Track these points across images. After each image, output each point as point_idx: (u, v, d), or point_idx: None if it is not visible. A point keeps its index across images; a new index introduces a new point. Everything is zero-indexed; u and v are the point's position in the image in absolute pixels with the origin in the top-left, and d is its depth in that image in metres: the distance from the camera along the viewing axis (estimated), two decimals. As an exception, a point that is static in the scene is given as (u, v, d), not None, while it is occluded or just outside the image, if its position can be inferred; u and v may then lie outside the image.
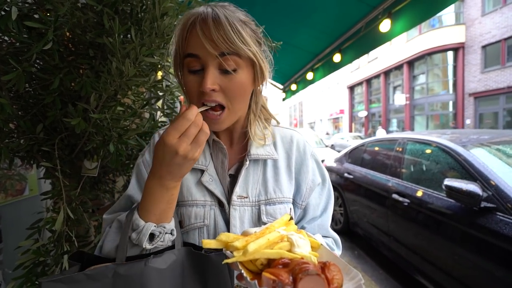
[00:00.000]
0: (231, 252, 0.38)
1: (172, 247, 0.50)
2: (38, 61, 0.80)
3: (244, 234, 0.41)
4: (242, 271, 0.36)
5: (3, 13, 0.68)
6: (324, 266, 0.35)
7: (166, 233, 0.47)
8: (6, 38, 0.73)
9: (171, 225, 0.49)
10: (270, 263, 0.37)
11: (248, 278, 0.35)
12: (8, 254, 1.12)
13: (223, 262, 0.38)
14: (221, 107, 0.51)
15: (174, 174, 0.45)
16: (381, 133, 14.66)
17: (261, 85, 0.58)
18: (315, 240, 0.44)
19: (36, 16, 0.75)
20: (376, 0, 2.28)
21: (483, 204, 1.64)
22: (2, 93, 0.67)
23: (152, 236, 0.47)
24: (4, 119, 0.70)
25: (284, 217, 0.46)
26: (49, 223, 0.75)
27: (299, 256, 0.37)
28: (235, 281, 0.54)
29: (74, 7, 0.75)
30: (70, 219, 0.76)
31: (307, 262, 0.35)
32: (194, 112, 0.43)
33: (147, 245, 0.46)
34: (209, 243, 0.39)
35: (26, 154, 0.82)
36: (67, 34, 0.82)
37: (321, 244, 0.44)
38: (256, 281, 0.34)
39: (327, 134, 23.72)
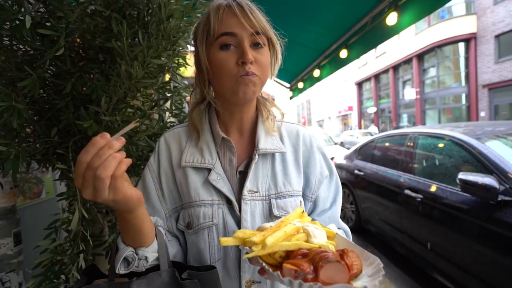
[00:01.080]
0: (250, 247, 0.38)
1: (158, 267, 0.50)
2: (51, 67, 0.82)
3: (260, 229, 0.42)
4: (264, 264, 0.37)
5: (17, 22, 0.70)
6: (342, 253, 0.36)
7: (139, 259, 0.48)
8: (21, 46, 0.76)
9: (147, 250, 0.48)
10: (289, 255, 0.37)
11: (271, 270, 0.35)
12: (28, 254, 1.17)
13: (244, 257, 0.39)
14: (255, 75, 0.54)
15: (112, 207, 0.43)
16: (373, 130, 15.19)
17: (273, 69, 0.61)
18: (329, 229, 0.44)
19: (48, 23, 0.78)
20: (382, -7, 2.24)
21: (500, 197, 1.59)
22: (18, 98, 0.70)
23: (128, 261, 0.48)
24: (20, 124, 0.73)
25: (297, 210, 0.46)
26: (65, 223, 0.77)
27: (317, 246, 0.37)
28: (244, 282, 0.55)
29: (84, 14, 0.77)
30: (85, 219, 0.79)
31: (325, 251, 0.35)
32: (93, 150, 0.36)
33: (120, 270, 0.47)
34: (226, 241, 0.40)
35: (42, 157, 0.85)
36: (78, 40, 0.84)
37: (336, 233, 0.44)
38: (279, 272, 0.35)
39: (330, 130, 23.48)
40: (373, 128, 16.43)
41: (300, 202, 0.60)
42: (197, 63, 0.59)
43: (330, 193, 0.65)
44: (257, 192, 0.57)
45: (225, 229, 0.56)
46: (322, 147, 0.67)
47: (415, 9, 2.02)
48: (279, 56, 0.60)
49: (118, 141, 0.37)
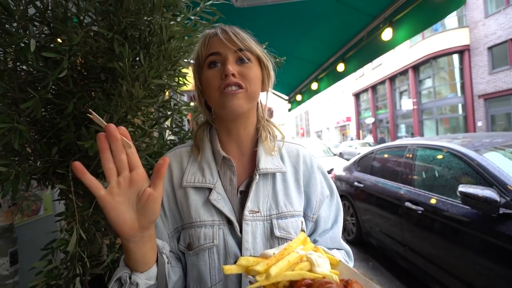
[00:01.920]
0: (253, 276, 0.38)
1: None
2: (53, 86, 0.84)
3: (263, 256, 0.41)
4: None
5: (22, 44, 0.72)
6: (346, 284, 0.35)
7: (131, 283, 0.47)
8: (24, 67, 0.78)
9: (140, 276, 0.48)
10: (293, 284, 0.37)
11: None
12: (24, 274, 1.14)
13: (247, 287, 0.38)
14: (239, 88, 0.56)
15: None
16: (369, 140, 15.80)
17: (267, 86, 0.63)
18: (333, 257, 0.44)
19: (52, 45, 0.80)
20: (376, 10, 2.31)
21: (502, 210, 1.58)
22: (20, 119, 0.70)
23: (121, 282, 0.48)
24: (22, 144, 0.74)
25: (300, 236, 0.46)
26: (63, 244, 0.76)
27: (321, 276, 0.37)
28: None
29: (87, 35, 0.79)
30: (83, 239, 0.78)
31: (329, 282, 0.35)
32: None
33: None
34: (230, 269, 0.39)
35: (42, 176, 0.85)
36: (80, 59, 0.86)
37: (340, 261, 0.44)
38: None
39: (328, 140, 23.65)
40: (369, 139, 16.85)
41: (302, 222, 0.60)
42: (196, 87, 0.63)
43: (331, 213, 0.65)
44: (258, 212, 0.57)
45: (226, 250, 0.55)
46: (322, 166, 0.68)
47: (409, 25, 2.09)
48: (271, 72, 0.62)
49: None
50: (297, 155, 0.65)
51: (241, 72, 0.56)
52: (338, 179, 3.89)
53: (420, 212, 2.18)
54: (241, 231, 0.56)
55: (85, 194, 0.88)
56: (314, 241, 0.63)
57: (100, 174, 0.88)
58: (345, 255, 0.64)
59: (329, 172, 5.07)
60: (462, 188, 1.77)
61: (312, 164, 0.66)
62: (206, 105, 0.64)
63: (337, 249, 0.64)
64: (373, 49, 2.58)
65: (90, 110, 0.40)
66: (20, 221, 1.23)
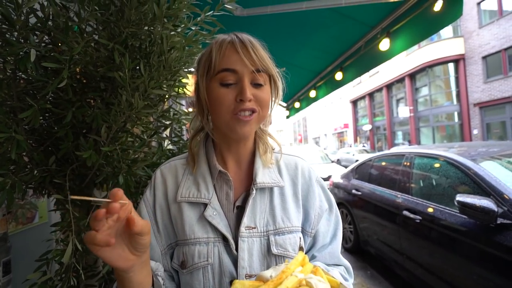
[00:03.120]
0: None
1: None
2: (52, 95, 0.83)
3: (259, 279, 0.40)
4: None
5: (21, 53, 0.72)
6: None
7: None
8: (23, 76, 0.77)
9: None
10: None
11: None
12: (17, 284, 1.12)
13: None
14: (252, 112, 0.54)
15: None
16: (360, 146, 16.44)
17: (273, 104, 0.61)
18: (333, 279, 0.43)
19: (52, 54, 0.80)
20: (374, 20, 2.35)
21: (500, 220, 1.59)
22: (18, 129, 0.70)
23: None
24: (19, 153, 0.73)
25: (299, 256, 0.45)
26: (58, 255, 0.75)
27: None
28: None
29: (87, 45, 0.79)
30: (78, 250, 0.76)
31: None
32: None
33: None
34: None
35: (38, 185, 0.84)
36: (80, 69, 0.86)
37: (340, 283, 0.43)
38: None
39: (325, 149, 23.82)
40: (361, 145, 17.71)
41: (300, 238, 0.59)
42: (197, 93, 0.60)
43: (330, 227, 0.64)
44: (254, 228, 0.56)
45: (221, 269, 0.53)
46: (321, 179, 0.67)
47: (406, 36, 2.12)
48: (280, 92, 0.61)
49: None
50: (296, 167, 0.64)
51: (256, 96, 0.54)
52: (336, 186, 3.89)
53: (418, 221, 2.17)
54: (236, 249, 0.54)
55: (81, 203, 0.87)
56: (313, 257, 0.62)
57: (97, 184, 0.87)
58: (344, 271, 0.62)
59: (327, 179, 5.06)
60: (459, 197, 1.77)
61: (311, 177, 0.64)
62: (207, 116, 0.61)
63: (336, 265, 0.63)
64: (370, 59, 2.62)
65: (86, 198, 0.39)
66: (15, 229, 1.21)
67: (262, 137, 0.64)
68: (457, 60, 13.38)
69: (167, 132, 0.96)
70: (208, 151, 0.62)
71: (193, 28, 0.95)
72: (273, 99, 0.60)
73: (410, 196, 2.42)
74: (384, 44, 2.28)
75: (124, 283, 0.45)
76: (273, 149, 0.65)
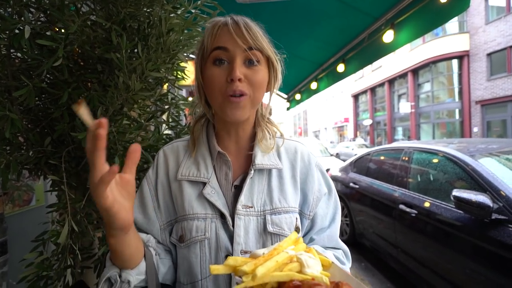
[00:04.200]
0: (240, 277, 0.37)
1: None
2: (48, 75, 0.82)
3: (252, 256, 0.40)
4: None
5: (17, 31, 0.70)
6: (336, 287, 0.35)
7: (122, 281, 0.47)
8: (19, 54, 0.76)
9: (131, 273, 0.48)
10: (281, 286, 0.36)
11: None
12: (14, 265, 1.13)
13: None
14: (242, 95, 0.53)
15: (105, 224, 0.43)
16: (359, 141, 16.41)
17: (272, 89, 0.60)
18: (325, 258, 0.43)
19: (48, 33, 0.78)
20: (378, 11, 2.30)
21: (494, 216, 1.60)
22: (13, 108, 0.69)
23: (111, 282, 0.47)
24: (13, 133, 0.72)
25: (292, 235, 0.45)
26: (54, 236, 0.75)
27: (310, 277, 0.36)
28: None
29: (84, 25, 0.77)
30: (74, 231, 0.77)
31: (319, 284, 0.34)
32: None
33: None
34: (217, 269, 0.38)
35: (34, 167, 0.83)
36: (77, 49, 0.84)
37: (332, 262, 0.43)
38: None
39: (331, 142, 23.72)
40: (359, 140, 17.78)
41: (296, 219, 0.59)
42: (196, 77, 0.60)
43: (329, 211, 0.64)
44: (251, 207, 0.57)
45: (218, 244, 0.55)
46: (320, 164, 0.67)
47: (411, 28, 2.08)
48: (279, 76, 0.59)
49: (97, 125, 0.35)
50: (295, 151, 0.65)
51: (248, 76, 0.53)
52: (333, 179, 3.90)
53: (413, 215, 2.19)
54: (233, 226, 0.55)
55: (77, 185, 0.87)
56: (311, 240, 0.63)
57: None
58: (342, 255, 0.63)
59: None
60: (456, 192, 1.78)
61: (310, 161, 0.65)
62: (206, 100, 0.61)
63: (334, 248, 0.63)
64: (373, 51, 2.58)
65: (80, 99, 0.37)
66: (11, 211, 1.22)
67: (261, 124, 0.63)
68: (462, 57, 13.22)
69: (165, 116, 0.96)
70: (209, 134, 0.63)
71: (193, 11, 0.93)
72: (272, 83, 0.59)
73: (407, 191, 2.43)
74: (388, 36, 2.24)
75: (117, 251, 0.45)
76: (274, 134, 0.64)
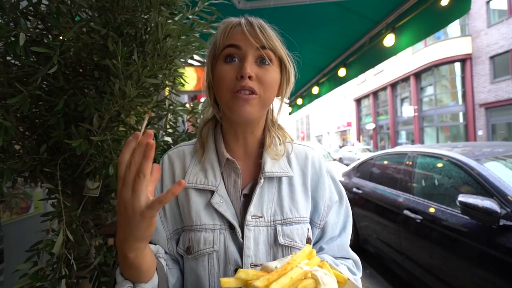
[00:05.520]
0: None
1: None
2: (45, 82, 0.81)
3: (264, 269, 0.38)
4: None
5: (13, 38, 0.70)
6: None
7: None
8: (17, 62, 0.76)
9: (146, 286, 0.46)
10: None
11: None
12: (10, 274, 1.11)
13: None
14: (252, 92, 0.52)
15: (128, 237, 0.40)
16: (358, 146, 16.44)
17: (284, 93, 0.59)
18: (340, 274, 0.41)
19: (45, 40, 0.78)
20: (378, 15, 2.30)
21: (502, 222, 1.55)
22: (7, 115, 0.68)
23: None
24: (8, 140, 0.71)
25: (306, 248, 0.43)
26: (48, 245, 0.74)
27: None
28: None
29: (80, 31, 0.77)
30: (70, 241, 0.75)
31: None
32: (127, 154, 0.37)
33: None
34: (228, 282, 0.36)
35: (29, 174, 0.82)
36: (72, 56, 0.84)
37: (348, 279, 0.41)
38: None
39: (341, 146, 23.41)
40: (358, 145, 18.00)
41: (308, 229, 0.57)
42: (206, 77, 0.59)
43: (340, 220, 0.62)
44: (261, 217, 0.54)
45: (226, 256, 0.52)
46: (331, 170, 0.64)
47: (411, 32, 2.07)
48: (292, 79, 0.58)
49: (146, 137, 0.36)
50: (306, 157, 0.62)
51: (259, 75, 0.51)
52: (336, 184, 3.86)
53: (418, 220, 2.14)
54: (243, 237, 0.53)
55: (73, 194, 0.85)
56: (321, 249, 0.60)
57: (89, 174, 0.85)
58: (353, 265, 0.60)
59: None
60: (462, 198, 1.74)
61: (321, 167, 0.62)
62: (215, 100, 0.59)
63: (344, 258, 0.61)
64: (374, 55, 2.57)
65: (149, 111, 0.38)
66: (9, 219, 1.20)
67: (271, 129, 0.61)
68: (464, 60, 13.17)
69: (163, 123, 0.94)
70: (217, 139, 0.61)
71: (190, 17, 0.92)
72: (284, 86, 0.57)
73: (411, 196, 2.39)
74: (389, 40, 2.23)
75: (142, 261, 0.43)
76: (284, 139, 0.62)
